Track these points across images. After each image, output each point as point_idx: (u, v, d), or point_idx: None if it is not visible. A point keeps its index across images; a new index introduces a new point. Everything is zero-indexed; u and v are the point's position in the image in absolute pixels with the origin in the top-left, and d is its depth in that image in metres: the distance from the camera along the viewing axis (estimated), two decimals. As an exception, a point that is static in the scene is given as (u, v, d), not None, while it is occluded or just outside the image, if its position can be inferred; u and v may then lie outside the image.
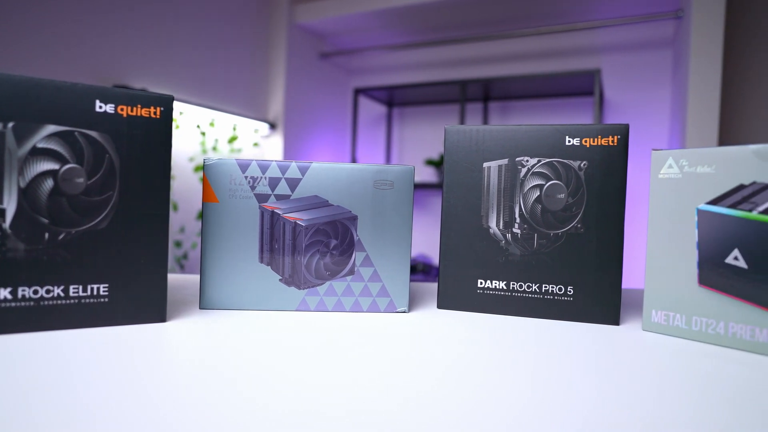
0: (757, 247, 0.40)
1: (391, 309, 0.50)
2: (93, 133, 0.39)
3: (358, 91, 2.87)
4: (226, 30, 2.59)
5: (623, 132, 0.49)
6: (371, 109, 3.44)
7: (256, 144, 2.67)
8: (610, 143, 0.49)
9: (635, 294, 0.67)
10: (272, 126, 2.84)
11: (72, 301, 0.39)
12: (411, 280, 2.88)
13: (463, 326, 0.46)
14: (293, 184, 0.49)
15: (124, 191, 0.40)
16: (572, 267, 0.50)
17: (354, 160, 2.85)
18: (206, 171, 0.48)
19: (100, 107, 0.39)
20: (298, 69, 2.97)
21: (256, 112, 2.81)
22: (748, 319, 0.41)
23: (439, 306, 0.53)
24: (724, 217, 0.42)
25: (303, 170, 0.49)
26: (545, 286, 0.50)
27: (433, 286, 0.67)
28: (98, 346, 0.35)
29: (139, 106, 0.41)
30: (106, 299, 0.40)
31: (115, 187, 0.40)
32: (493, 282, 0.52)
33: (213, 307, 0.49)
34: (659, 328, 0.46)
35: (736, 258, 0.41)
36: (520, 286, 0.51)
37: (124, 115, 0.40)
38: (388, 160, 3.33)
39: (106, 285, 0.40)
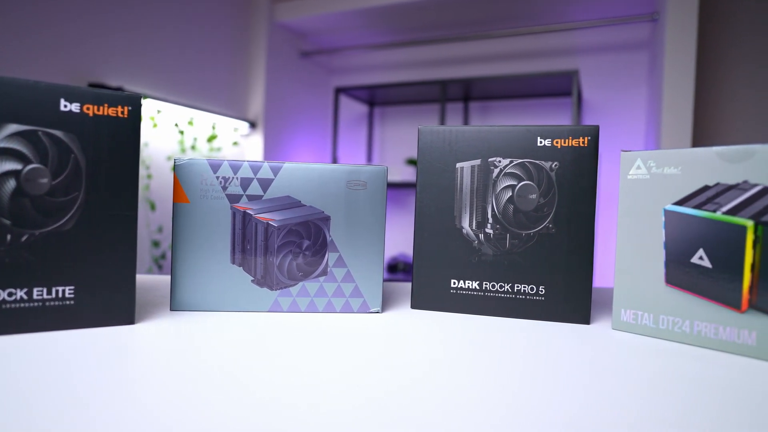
0: (720, 247, 0.41)
1: (364, 309, 0.50)
2: (57, 133, 0.38)
3: (339, 91, 2.86)
4: (205, 28, 2.56)
5: (593, 133, 0.49)
6: (352, 109, 3.43)
7: (235, 143, 2.65)
8: (581, 144, 0.49)
9: (607, 293, 0.68)
10: (252, 125, 2.82)
11: (36, 304, 0.38)
12: (392, 280, 2.88)
13: (436, 326, 0.46)
14: (265, 184, 0.49)
15: (91, 192, 0.40)
16: (544, 267, 0.50)
17: (335, 160, 2.84)
18: (177, 171, 0.48)
19: (65, 106, 0.38)
20: (278, 67, 2.95)
21: (236, 111, 2.78)
22: (712, 317, 0.42)
23: (413, 306, 0.54)
24: (689, 218, 0.43)
25: (275, 170, 0.49)
26: (517, 286, 0.51)
27: (408, 286, 0.67)
28: (64, 350, 0.34)
29: (105, 105, 0.40)
30: (72, 302, 0.39)
31: (81, 188, 0.39)
32: (466, 282, 0.52)
33: (184, 309, 0.48)
34: (628, 326, 0.47)
35: (701, 258, 0.42)
36: (493, 286, 0.51)
37: (91, 114, 0.39)
38: (369, 159, 3.33)
39: (72, 287, 0.39)
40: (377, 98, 3.10)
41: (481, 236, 0.52)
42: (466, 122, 3.04)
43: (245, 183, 0.48)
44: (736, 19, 2.35)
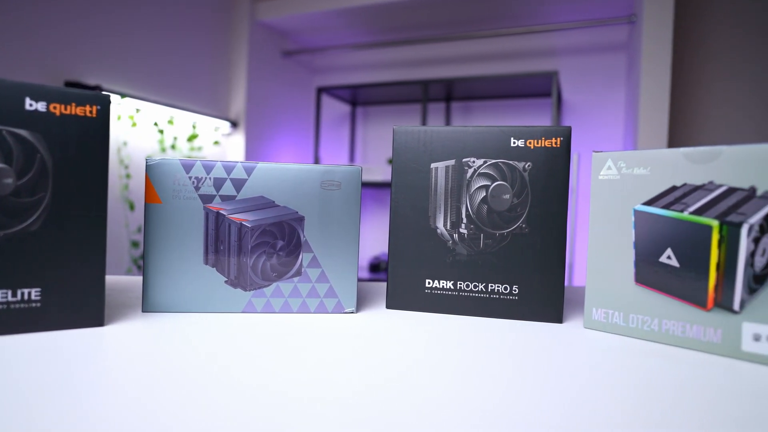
0: (687, 246, 0.42)
1: (339, 310, 0.50)
2: (23, 132, 0.38)
3: (321, 90, 2.85)
4: (186, 26, 2.53)
5: (566, 134, 0.50)
6: (335, 108, 3.43)
7: (216, 142, 2.62)
8: (554, 145, 0.50)
9: (581, 292, 0.69)
10: (234, 124, 2.79)
11: (0, 306, 0.37)
12: (374, 279, 2.88)
13: (411, 326, 0.46)
14: (239, 184, 0.48)
15: (58, 192, 0.39)
16: (517, 266, 0.51)
17: (317, 159, 2.84)
18: (148, 171, 0.47)
19: (31, 105, 0.38)
20: (260, 67, 2.93)
21: (218, 110, 2.76)
22: (679, 315, 0.42)
23: (388, 306, 0.54)
24: (658, 218, 0.44)
25: (249, 171, 0.48)
26: (491, 286, 0.51)
27: (383, 286, 0.67)
28: (30, 353, 0.34)
29: (73, 104, 0.39)
30: (39, 304, 0.39)
31: (47, 188, 0.39)
32: (441, 282, 0.52)
33: (156, 310, 0.47)
34: (599, 325, 0.47)
35: (669, 257, 0.43)
36: (467, 286, 0.52)
37: (57, 113, 0.39)
38: (351, 159, 3.33)
39: (39, 289, 0.39)
40: (359, 98, 3.10)
41: (456, 236, 0.52)
42: (448, 122, 3.05)
43: (218, 183, 0.48)
44: (711, 22, 2.39)
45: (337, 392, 0.29)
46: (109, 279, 0.65)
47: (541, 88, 2.60)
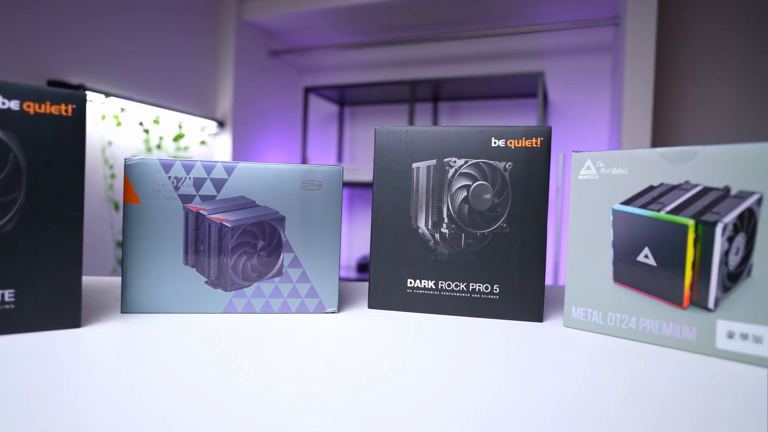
0: (664, 245, 0.42)
1: (320, 310, 0.50)
2: (-4, 131, 0.37)
3: (309, 90, 2.84)
4: (172, 25, 2.51)
5: (546, 134, 0.50)
6: (323, 108, 3.42)
7: (203, 142, 2.61)
8: (534, 145, 0.50)
9: (561, 291, 0.69)
10: (221, 124, 2.78)
11: (-27, 308, 0.37)
12: (362, 279, 2.87)
13: (392, 326, 0.46)
14: (219, 184, 0.48)
15: (32, 192, 0.39)
16: (498, 266, 0.51)
17: (304, 159, 2.83)
18: (127, 171, 0.47)
19: (3, 104, 0.37)
20: (247, 66, 2.92)
21: (204, 110, 2.74)
22: (656, 314, 0.43)
23: (370, 306, 0.54)
24: (635, 217, 0.44)
25: (229, 170, 0.48)
26: (472, 285, 0.51)
27: (365, 286, 0.67)
28: (3, 356, 0.33)
29: (48, 103, 0.39)
30: (12, 305, 0.38)
31: (21, 188, 0.38)
32: (422, 281, 0.52)
33: (135, 311, 0.47)
34: (579, 324, 0.48)
35: (646, 256, 0.43)
36: (448, 285, 0.52)
37: (31, 112, 0.38)
38: (339, 159, 3.32)
39: (12, 291, 0.38)
40: (347, 98, 3.09)
41: (437, 236, 0.52)
42: (435, 122, 3.06)
43: (198, 183, 0.48)
44: (694, 23, 2.42)
45: (317, 392, 0.29)
46: (90, 280, 0.64)
47: (527, 88, 2.62)
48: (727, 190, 0.39)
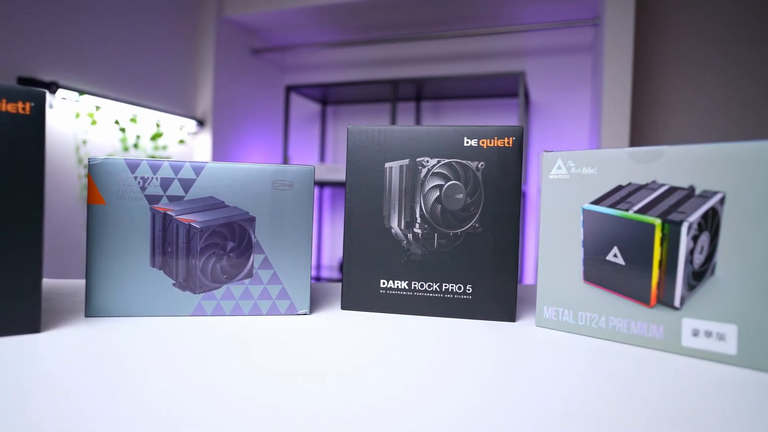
0: (632, 244, 0.43)
1: (291, 311, 0.50)
2: (-51, 130, 0.36)
3: (291, 89, 2.83)
4: (149, 20, 2.48)
5: (518, 134, 0.50)
6: (305, 107, 3.40)
7: (182, 141, 2.57)
8: (506, 144, 0.50)
9: (534, 290, 0.69)
10: (200, 123, 2.74)
11: (-75, 313, 0.35)
12: (340, 280, 2.86)
13: (365, 327, 0.46)
14: (187, 184, 0.47)
15: (-11, 193, 0.37)
16: (471, 266, 0.51)
17: (286, 159, 2.81)
18: (91, 171, 0.46)
19: (-43, 102, 0.36)
20: (228, 64, 2.89)
21: (183, 109, 2.71)
22: (625, 312, 0.43)
23: (343, 307, 0.53)
24: (604, 216, 0.44)
25: (197, 170, 0.47)
26: (445, 285, 0.51)
27: (339, 287, 0.67)
28: (-50, 363, 0.32)
29: (4, 101, 0.38)
30: (-32, 310, 0.37)
31: (-23, 189, 0.37)
32: (395, 282, 0.52)
33: (100, 315, 0.46)
34: (550, 323, 0.48)
35: (615, 255, 0.44)
36: (421, 286, 0.52)
37: (-12, 110, 0.37)
38: (322, 158, 3.31)
39: (-32, 295, 0.37)
40: (330, 97, 3.08)
41: (410, 236, 0.52)
42: (418, 122, 3.06)
43: (165, 183, 0.47)
44: (671, 24, 2.46)
45: (288, 394, 0.29)
46: (55, 283, 0.63)
47: (509, 88, 2.63)
48: (691, 189, 0.39)
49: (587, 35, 2.72)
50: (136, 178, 0.46)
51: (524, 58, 2.86)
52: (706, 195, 0.38)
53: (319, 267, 3.31)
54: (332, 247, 3.30)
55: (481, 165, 0.51)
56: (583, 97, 2.73)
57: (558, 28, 2.74)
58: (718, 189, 0.38)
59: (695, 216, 0.39)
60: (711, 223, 0.38)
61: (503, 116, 2.90)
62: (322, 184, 2.77)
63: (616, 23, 2.12)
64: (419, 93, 2.85)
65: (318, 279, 3.01)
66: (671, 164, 0.40)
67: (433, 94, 2.86)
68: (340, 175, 2.70)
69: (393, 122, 2.60)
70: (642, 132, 2.51)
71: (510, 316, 0.50)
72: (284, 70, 3.45)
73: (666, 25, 2.46)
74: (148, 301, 0.47)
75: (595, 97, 2.43)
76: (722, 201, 0.38)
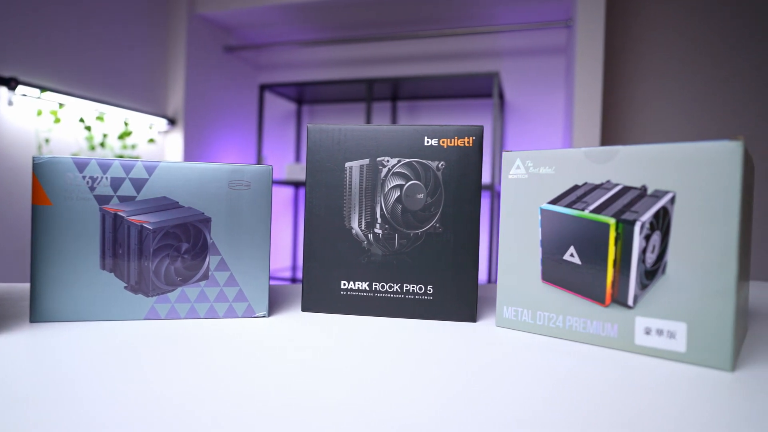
0: (588, 243, 0.43)
1: (249, 314, 0.49)
2: None
3: (264, 87, 2.80)
4: (118, 14, 2.42)
5: (478, 133, 0.50)
6: (280, 107, 3.37)
7: (152, 140, 2.52)
8: (466, 144, 0.50)
9: (495, 290, 0.69)
10: (171, 122, 2.70)
11: None
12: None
13: (325, 329, 0.45)
14: (139, 184, 0.46)
15: None
16: (431, 266, 0.50)
17: (260, 159, 2.78)
18: (36, 170, 0.44)
19: None
20: (200, 62, 2.84)
21: (153, 107, 2.65)
22: (581, 312, 0.43)
23: (304, 309, 0.52)
24: (561, 216, 0.44)
25: (150, 170, 0.46)
26: (406, 286, 0.51)
27: (300, 289, 0.66)
28: None
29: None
30: None
31: None
32: (356, 283, 0.51)
33: (46, 320, 0.44)
34: (510, 323, 0.48)
35: (572, 254, 0.44)
36: (382, 287, 0.51)
37: None
38: (297, 158, 3.28)
39: None
40: (306, 96, 3.06)
41: (371, 236, 0.51)
42: (394, 121, 3.06)
43: (116, 183, 0.45)
44: (641, 27, 2.51)
45: (245, 399, 0.28)
46: (1, 287, 0.61)
47: (485, 88, 2.65)
48: (644, 189, 0.39)
49: (561, 37, 2.75)
50: (84, 177, 0.45)
51: (499, 58, 2.88)
52: (658, 194, 0.39)
53: (294, 268, 3.29)
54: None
55: (442, 165, 0.50)
56: (557, 98, 2.76)
57: (532, 30, 2.77)
58: (668, 188, 0.38)
59: (647, 215, 0.39)
60: (662, 222, 0.38)
61: (479, 116, 2.92)
62: (297, 184, 2.75)
63: (588, 25, 2.15)
64: (395, 93, 2.85)
65: (293, 281, 2.99)
66: (625, 164, 0.41)
67: (409, 94, 2.87)
68: (315, 175, 2.68)
69: (368, 122, 2.59)
70: (613, 132, 2.55)
71: (471, 316, 0.50)
72: (258, 69, 3.41)
73: (635, 27, 2.51)
74: (98, 304, 0.45)
75: (568, 97, 2.46)
76: (672, 200, 0.38)
